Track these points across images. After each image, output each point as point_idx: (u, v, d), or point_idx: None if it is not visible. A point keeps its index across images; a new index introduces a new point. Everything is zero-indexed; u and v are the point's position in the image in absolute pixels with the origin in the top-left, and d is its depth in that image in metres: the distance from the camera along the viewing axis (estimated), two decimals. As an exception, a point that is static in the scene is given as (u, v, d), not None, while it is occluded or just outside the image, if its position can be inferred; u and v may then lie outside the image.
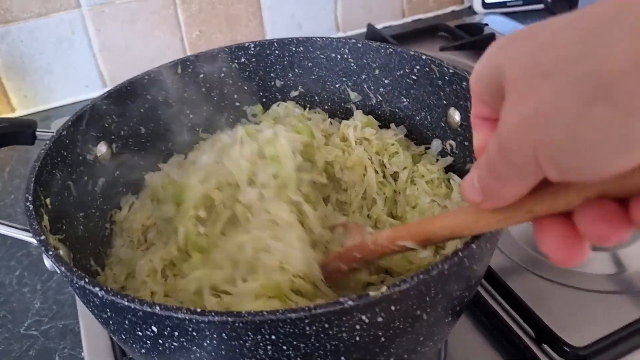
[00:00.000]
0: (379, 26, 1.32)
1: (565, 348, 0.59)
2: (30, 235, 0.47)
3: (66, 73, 1.13)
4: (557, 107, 0.27)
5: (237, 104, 0.74)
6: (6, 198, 0.92)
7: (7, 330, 0.69)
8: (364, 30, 1.28)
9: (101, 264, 0.60)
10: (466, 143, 0.65)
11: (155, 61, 1.18)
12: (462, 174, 0.66)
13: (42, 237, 0.45)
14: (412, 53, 0.67)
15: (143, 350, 0.44)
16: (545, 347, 0.61)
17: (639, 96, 0.24)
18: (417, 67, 0.67)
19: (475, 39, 1.16)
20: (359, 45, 0.70)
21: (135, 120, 0.67)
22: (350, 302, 0.38)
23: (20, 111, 1.13)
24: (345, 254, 0.52)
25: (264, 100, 0.75)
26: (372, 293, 0.38)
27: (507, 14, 1.30)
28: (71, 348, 0.66)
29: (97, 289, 0.40)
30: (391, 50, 0.69)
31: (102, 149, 0.64)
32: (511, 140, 0.29)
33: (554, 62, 0.27)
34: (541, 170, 0.29)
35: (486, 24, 1.22)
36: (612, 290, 0.68)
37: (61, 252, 0.50)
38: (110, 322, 0.43)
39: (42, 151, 0.55)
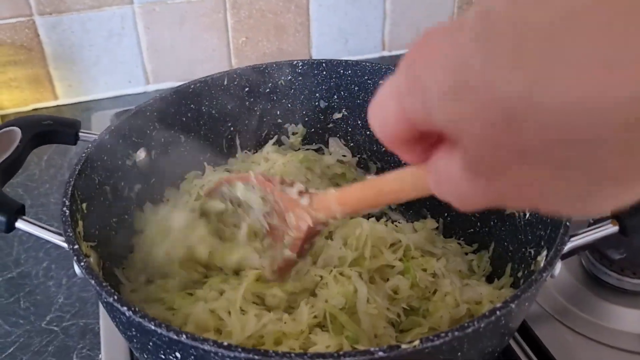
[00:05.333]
0: (425, 48, 1.30)
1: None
2: (64, 240, 0.47)
3: (112, 67, 1.14)
4: None
5: (279, 120, 0.74)
6: (41, 187, 0.92)
7: (28, 323, 0.69)
8: (410, 51, 1.27)
9: (126, 270, 0.60)
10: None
11: (199, 64, 1.19)
12: (499, 217, 0.64)
13: (76, 246, 0.45)
14: (462, 88, 0.66)
15: (163, 372, 0.43)
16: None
17: None
18: (466, 103, 0.66)
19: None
20: (408, 74, 0.69)
21: (177, 129, 0.67)
22: (380, 353, 0.37)
23: (63, 100, 1.14)
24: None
25: (306, 119, 0.74)
26: (404, 345, 0.37)
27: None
28: (90, 349, 0.66)
29: (125, 308, 0.39)
30: (441, 83, 0.67)
31: (141, 154, 0.64)
32: None
33: None
34: None
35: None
36: (644, 352, 0.66)
37: (91, 259, 0.50)
38: (135, 340, 0.43)
39: (84, 155, 0.55)
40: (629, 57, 0.18)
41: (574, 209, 0.22)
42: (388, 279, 0.57)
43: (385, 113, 0.28)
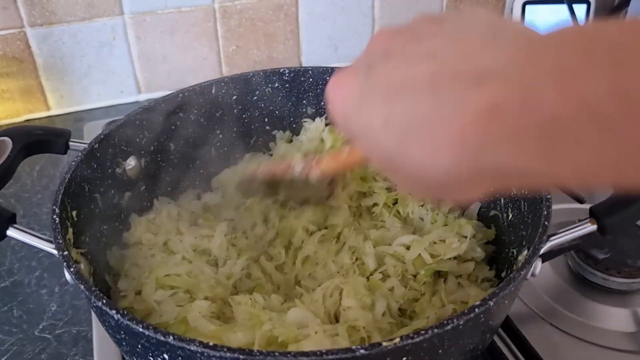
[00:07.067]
0: (414, 55, 1.32)
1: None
2: (54, 247, 0.48)
3: (104, 77, 1.15)
4: None
5: (267, 127, 0.75)
6: (33, 197, 0.93)
7: (21, 331, 0.70)
8: (399, 57, 1.28)
9: (115, 277, 0.61)
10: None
11: (191, 73, 1.21)
12: (484, 219, 0.66)
13: (65, 253, 0.46)
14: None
15: (153, 374, 0.44)
16: (556, 403, 0.60)
17: None
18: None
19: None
20: (393, 80, 0.70)
21: (166, 137, 0.68)
22: (362, 351, 0.38)
23: (55, 110, 1.15)
24: None
25: (294, 126, 0.76)
26: (384, 343, 0.38)
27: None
28: (82, 355, 0.67)
29: (114, 312, 0.40)
30: (425, 88, 0.69)
31: (131, 163, 0.65)
32: None
33: None
34: None
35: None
36: (630, 350, 0.67)
37: (82, 266, 0.51)
38: (124, 343, 0.44)
39: (74, 163, 0.56)
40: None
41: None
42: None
43: None
